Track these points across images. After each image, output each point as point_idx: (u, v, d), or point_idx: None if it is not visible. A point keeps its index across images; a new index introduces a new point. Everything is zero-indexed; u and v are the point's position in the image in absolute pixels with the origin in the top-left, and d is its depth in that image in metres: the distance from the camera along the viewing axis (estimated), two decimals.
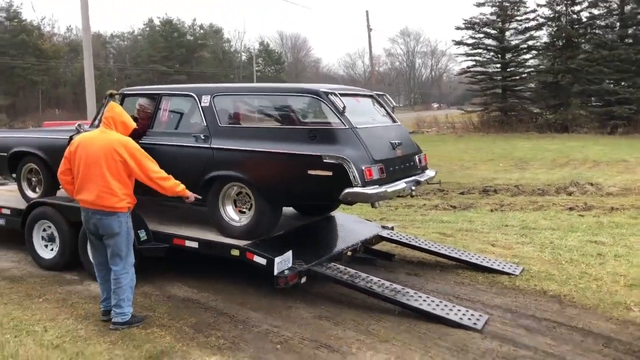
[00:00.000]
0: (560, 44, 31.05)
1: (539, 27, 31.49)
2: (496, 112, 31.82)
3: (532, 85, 32.45)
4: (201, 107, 5.60)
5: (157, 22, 64.81)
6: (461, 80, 35.13)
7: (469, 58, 33.35)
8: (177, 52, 61.86)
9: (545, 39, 31.57)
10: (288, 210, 6.64)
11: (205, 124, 5.53)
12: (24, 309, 4.93)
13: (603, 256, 6.49)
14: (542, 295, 5.23)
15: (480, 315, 4.64)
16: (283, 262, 4.90)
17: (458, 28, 32.92)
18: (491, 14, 32.08)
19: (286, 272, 4.88)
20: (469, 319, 4.54)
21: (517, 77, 32.03)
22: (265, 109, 5.86)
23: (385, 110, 6.10)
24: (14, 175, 7.07)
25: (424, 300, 4.77)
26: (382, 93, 6.45)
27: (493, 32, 32.45)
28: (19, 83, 46.86)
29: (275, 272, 4.82)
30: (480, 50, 32.90)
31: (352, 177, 4.67)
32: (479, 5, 31.83)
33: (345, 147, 4.83)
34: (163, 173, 4.75)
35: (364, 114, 5.71)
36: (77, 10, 14.68)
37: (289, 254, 5.00)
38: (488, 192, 11.72)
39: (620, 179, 12.94)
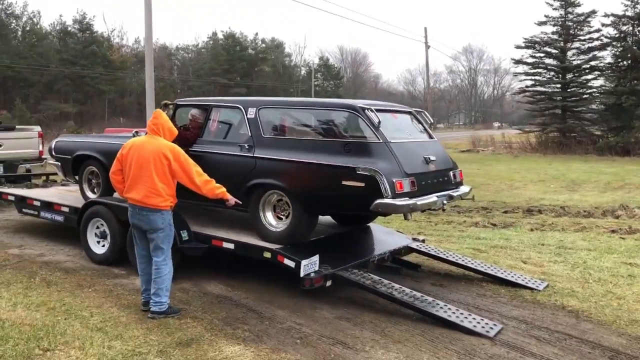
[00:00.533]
0: (625, 64, 30.19)
1: (603, 47, 30.78)
2: (554, 132, 31.20)
3: (594, 106, 31.64)
4: (247, 118, 6.05)
5: (220, 35, 67.00)
6: (519, 99, 34.50)
7: (528, 77, 32.90)
8: (239, 66, 63.61)
9: (609, 60, 30.82)
10: (326, 219, 7.00)
11: (250, 135, 5.96)
12: (74, 297, 5.45)
13: (634, 277, 6.49)
14: (560, 309, 5.34)
15: (494, 324, 4.82)
16: (310, 265, 5.23)
17: (518, 47, 32.62)
18: (553, 33, 31.64)
19: (312, 274, 5.20)
20: (483, 327, 4.73)
21: (578, 98, 31.29)
22: (306, 122, 6.21)
23: (423, 126, 6.38)
24: (76, 177, 7.72)
25: (441, 308, 4.99)
26: (420, 110, 6.74)
27: (554, 51, 31.92)
28: (88, 92, 49.47)
29: (302, 274, 5.16)
30: (540, 70, 32.41)
31: (383, 189, 4.96)
32: (541, 24, 31.49)
33: (379, 160, 5.13)
34: (205, 177, 5.15)
35: (400, 130, 6.01)
36: (143, 23, 15.59)
37: (316, 258, 5.32)
38: (532, 212, 11.67)
39: None
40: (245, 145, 5.94)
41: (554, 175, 19.44)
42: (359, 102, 5.66)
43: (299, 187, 5.55)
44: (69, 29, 53.20)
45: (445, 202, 5.68)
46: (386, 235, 6.90)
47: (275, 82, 68.34)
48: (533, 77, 32.62)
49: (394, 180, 5.02)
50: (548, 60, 32.15)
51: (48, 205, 7.52)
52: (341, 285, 5.55)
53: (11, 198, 8.04)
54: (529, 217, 11.10)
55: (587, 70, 31.14)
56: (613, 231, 9.51)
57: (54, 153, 7.97)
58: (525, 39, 31.93)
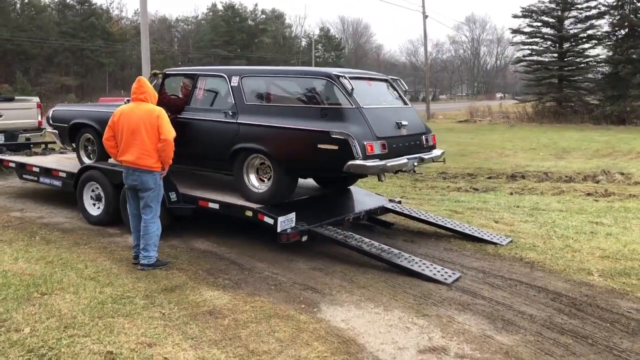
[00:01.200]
0: (622, 33, 30.21)
1: (600, 15, 30.73)
2: (551, 102, 31.37)
3: (591, 75, 31.72)
4: (231, 86, 6.42)
5: (220, 6, 66.66)
6: (517, 69, 34.57)
7: (526, 47, 32.93)
8: (238, 37, 63.49)
9: (606, 28, 30.81)
10: (308, 182, 7.44)
11: (233, 102, 6.35)
12: (71, 252, 5.91)
13: (595, 234, 6.91)
14: (517, 261, 5.79)
15: (453, 273, 5.28)
16: (286, 221, 5.67)
17: (515, 16, 32.60)
18: (550, 1, 31.54)
19: (288, 230, 5.65)
20: (442, 275, 5.19)
21: (574, 67, 31.38)
22: (285, 90, 6.58)
23: (398, 93, 6.74)
24: (73, 144, 8.14)
25: (405, 259, 5.44)
26: (396, 78, 7.08)
27: (551, 20, 31.88)
28: (88, 65, 49.65)
29: (279, 229, 5.60)
30: (537, 39, 32.43)
31: (355, 151, 5.36)
32: None
33: (351, 125, 5.52)
34: (172, 142, 5.43)
35: (373, 96, 6.37)
36: None
37: (292, 215, 5.76)
38: (515, 177, 12.07)
39: None
40: (230, 112, 6.32)
41: (545, 143, 19.77)
42: (334, 70, 6.02)
43: (279, 151, 5.95)
44: (68, 1, 53.03)
45: (415, 164, 6.08)
46: (364, 197, 7.33)
47: (275, 53, 68.18)
48: (530, 47, 32.65)
49: (365, 143, 5.41)
50: (545, 30, 32.15)
51: (47, 171, 7.95)
52: (318, 241, 6.00)
53: (12, 165, 8.47)
54: (511, 182, 11.50)
55: (584, 39, 31.16)
56: (589, 194, 9.93)
57: (51, 122, 8.39)
58: (523, 8, 31.92)
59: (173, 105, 6.77)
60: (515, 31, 32.58)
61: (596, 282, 5.12)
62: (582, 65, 31.60)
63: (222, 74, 6.62)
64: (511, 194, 10.14)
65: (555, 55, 31.90)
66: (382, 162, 5.51)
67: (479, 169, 13.40)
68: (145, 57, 15.38)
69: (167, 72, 7.26)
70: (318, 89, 6.05)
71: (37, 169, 8.05)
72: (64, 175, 7.69)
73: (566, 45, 31.54)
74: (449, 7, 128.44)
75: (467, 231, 6.63)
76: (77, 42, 48.95)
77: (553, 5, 31.45)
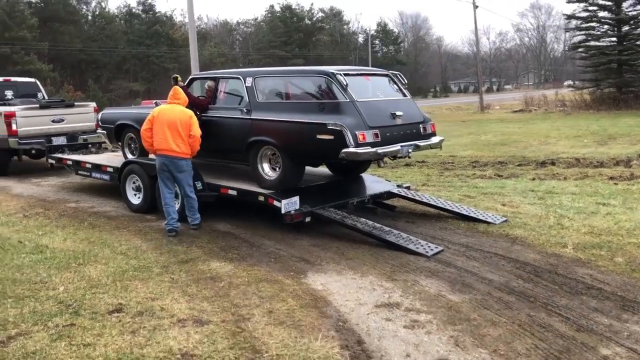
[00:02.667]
0: None
1: None
2: (610, 88, 30.49)
3: None
4: (246, 86, 7.23)
5: (277, 7, 68.17)
6: (572, 56, 33.72)
7: (582, 32, 32.10)
8: (296, 37, 64.79)
9: None
10: (322, 170, 8.17)
11: (248, 100, 7.15)
12: (111, 234, 6.89)
13: (595, 214, 7.24)
14: (502, 237, 6.28)
15: (435, 247, 5.85)
16: (289, 204, 6.41)
17: (570, 1, 31.81)
18: None
19: (292, 211, 6.39)
20: (424, 248, 5.77)
21: (634, 51, 30.32)
22: (290, 87, 7.29)
23: (398, 86, 7.33)
24: (119, 142, 9.20)
25: (394, 235, 6.06)
26: (396, 72, 7.64)
27: (608, 3, 30.94)
28: (154, 70, 52.20)
29: (283, 211, 6.35)
30: (593, 24, 31.56)
31: (348, 140, 6.02)
32: None
33: (345, 117, 6.18)
34: (199, 137, 6.73)
35: (369, 90, 7.02)
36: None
37: (296, 198, 6.49)
38: (545, 164, 12.27)
39: None
40: (244, 109, 7.13)
41: (594, 130, 19.51)
42: (331, 68, 6.68)
43: (285, 142, 6.69)
44: (134, 10, 55.94)
45: (410, 150, 6.65)
46: (372, 183, 7.95)
47: (332, 51, 69.04)
48: (587, 32, 31.79)
49: (357, 133, 6.04)
50: (602, 14, 31.20)
51: (97, 167, 9.04)
52: (324, 223, 6.70)
53: (69, 162, 9.64)
54: (539, 169, 11.72)
55: None
56: (611, 178, 10.09)
57: (100, 123, 9.51)
58: None
59: (200, 105, 7.64)
60: (570, 17, 31.82)
61: (566, 254, 5.56)
62: None
63: (239, 76, 7.44)
64: (533, 179, 10.43)
65: (614, 39, 30.94)
66: (374, 149, 6.11)
67: (512, 157, 13.62)
68: (194, 62, 16.51)
69: (193, 77, 8.16)
70: (317, 85, 6.71)
71: (89, 165, 9.16)
72: (111, 170, 8.73)
73: (625, 28, 30.51)
74: None
75: (464, 212, 7.14)
76: (143, 49, 51.64)
77: None
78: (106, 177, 8.88)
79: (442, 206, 7.33)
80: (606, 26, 31.40)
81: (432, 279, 4.97)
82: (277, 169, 6.91)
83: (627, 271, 4.98)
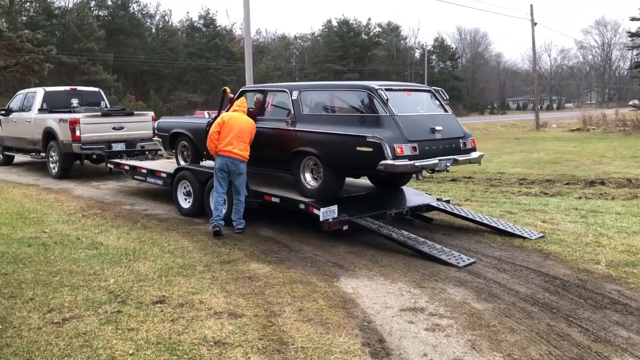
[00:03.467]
0: None
1: None
2: None
3: None
4: (292, 99, 7.57)
5: (334, 22, 69.00)
6: (635, 75, 32.72)
7: None
8: (352, 51, 65.35)
9: None
10: (364, 182, 8.42)
11: (293, 112, 7.48)
12: (161, 235, 7.34)
13: (637, 234, 7.17)
14: (537, 252, 6.34)
15: (468, 258, 5.98)
16: (328, 212, 6.68)
17: (634, 19, 30.99)
18: None
19: (330, 219, 6.65)
20: (456, 259, 5.92)
21: None
22: (333, 101, 7.56)
23: (440, 102, 7.52)
24: (173, 150, 9.73)
25: (427, 246, 6.24)
26: (439, 89, 7.81)
27: None
28: (213, 82, 53.73)
29: (321, 218, 6.63)
30: None
31: (386, 152, 6.25)
32: None
33: (385, 130, 6.42)
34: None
35: (410, 105, 7.23)
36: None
37: (334, 207, 6.76)
38: (594, 183, 12.08)
39: None
40: (289, 121, 7.46)
41: None
42: (373, 84, 6.93)
43: (326, 153, 6.97)
44: (195, 24, 57.92)
45: (449, 164, 6.81)
46: (412, 196, 8.13)
47: (388, 65, 69.21)
48: None
49: (395, 146, 6.26)
50: None
51: (152, 173, 9.59)
52: (362, 232, 6.92)
53: (126, 167, 10.25)
54: (587, 188, 11.57)
55: None
56: None
57: (156, 132, 10.08)
58: None
59: (251, 115, 8.04)
60: (634, 35, 30.96)
61: (598, 270, 5.59)
62: None
63: (285, 90, 7.80)
64: (579, 198, 10.33)
65: None
66: (411, 162, 6.31)
67: (561, 175, 13.46)
68: (249, 75, 17.11)
69: (243, 89, 8.56)
70: (360, 99, 6.96)
71: (144, 171, 9.73)
72: (164, 175, 9.25)
73: None
74: (577, 11, 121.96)
75: (501, 226, 7.22)
76: (202, 62, 53.37)
77: None
78: (160, 182, 9.40)
79: (479, 220, 7.44)
80: None
81: (459, 288, 5.12)
82: (319, 178, 7.19)
83: None
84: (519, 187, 11.92)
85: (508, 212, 8.83)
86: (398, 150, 6.26)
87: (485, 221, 7.41)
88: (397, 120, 6.50)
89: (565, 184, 12.14)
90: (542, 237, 7.01)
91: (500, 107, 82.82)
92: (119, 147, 12.13)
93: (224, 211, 7.38)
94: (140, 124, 12.63)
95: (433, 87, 7.79)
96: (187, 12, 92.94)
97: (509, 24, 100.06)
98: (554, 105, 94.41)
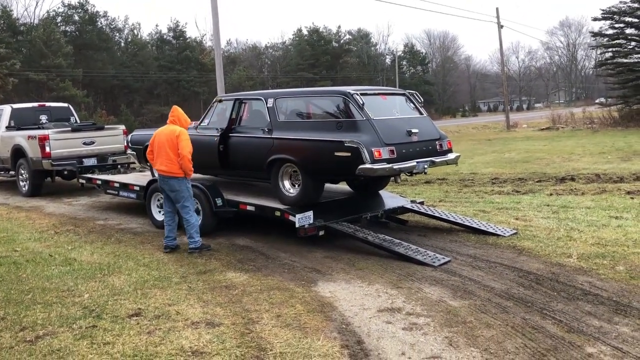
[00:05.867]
0: None
1: None
2: (638, 105, 30.17)
3: None
4: (267, 107, 7.54)
5: (305, 31, 69.25)
6: (599, 73, 33.51)
7: (608, 50, 31.94)
8: (323, 59, 65.59)
9: None
10: (339, 186, 8.44)
11: (269, 120, 7.45)
12: (136, 249, 7.25)
13: (606, 226, 7.34)
14: (510, 248, 6.44)
15: (443, 257, 6.04)
16: (304, 218, 6.68)
17: (596, 19, 31.78)
18: (632, 1, 30.49)
19: (306, 225, 6.65)
20: (432, 259, 5.98)
21: None
22: (309, 107, 7.59)
23: (415, 105, 7.55)
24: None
25: (402, 247, 6.28)
26: (413, 92, 7.82)
27: (635, 20, 30.78)
28: (184, 94, 53.46)
29: (297, 225, 6.62)
30: (620, 41, 31.38)
31: (364, 156, 6.23)
32: None
33: (362, 134, 6.42)
34: (189, 156, 6.80)
35: (386, 109, 7.22)
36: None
37: (310, 213, 6.76)
38: (565, 180, 12.32)
39: None
40: (266, 129, 7.42)
41: (619, 147, 19.38)
42: (349, 89, 6.94)
43: (305, 159, 6.93)
44: (165, 37, 57.60)
45: (426, 166, 6.81)
46: (386, 199, 8.17)
47: (360, 72, 69.64)
48: (614, 49, 31.63)
49: (373, 149, 6.25)
50: (629, 30, 31.05)
51: (125, 186, 9.48)
52: (339, 236, 6.93)
53: (99, 182, 10.12)
54: (558, 185, 11.79)
55: None
56: (629, 193, 10.13)
57: (130, 145, 9.98)
58: (603, 10, 31.09)
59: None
60: (597, 34, 31.72)
61: (570, 263, 5.70)
62: None
63: (261, 97, 7.77)
64: (550, 194, 10.51)
65: None
66: (389, 165, 6.31)
67: (533, 173, 13.67)
68: (220, 86, 17.08)
69: (220, 98, 8.53)
70: (335, 105, 6.98)
71: (117, 185, 9.61)
72: (137, 188, 9.16)
73: None
74: (542, 12, 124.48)
75: (474, 225, 7.32)
76: (173, 74, 53.03)
77: (636, 5, 30.37)
78: (133, 195, 9.30)
79: (453, 220, 7.52)
80: (633, 43, 31.19)
81: (435, 287, 5.17)
82: (297, 185, 7.14)
83: (626, 278, 5.12)
84: (492, 186, 12.08)
85: (481, 211, 8.95)
86: (376, 154, 6.25)
87: (459, 220, 7.50)
88: (374, 124, 6.50)
89: (537, 182, 12.36)
90: (515, 233, 7.12)
91: (471, 109, 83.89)
92: (90, 162, 11.97)
93: (172, 233, 7.07)
94: (112, 138, 12.49)
95: (407, 91, 7.82)
96: (157, 25, 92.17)
97: (476, 27, 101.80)
98: (524, 106, 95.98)
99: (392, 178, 7.12)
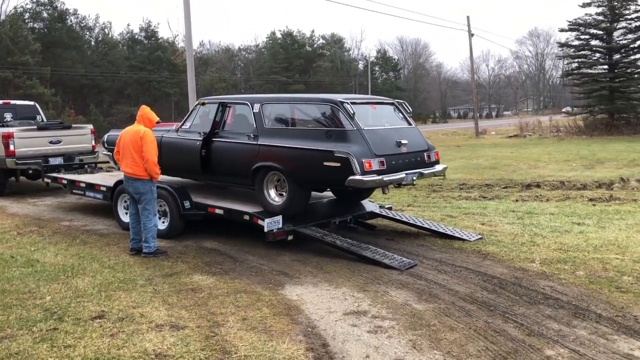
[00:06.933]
0: None
1: None
2: (602, 114, 30.97)
3: None
4: (253, 112, 7.35)
5: (278, 34, 69.15)
6: (565, 83, 34.32)
7: (574, 60, 32.71)
8: (296, 63, 65.53)
9: None
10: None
11: (255, 126, 7.27)
12: (101, 250, 7.14)
13: (569, 232, 7.52)
14: (475, 253, 6.54)
15: (410, 261, 6.11)
16: (272, 222, 6.66)
17: (562, 30, 32.49)
18: (597, 14, 31.33)
19: (275, 230, 6.62)
20: (399, 262, 6.04)
21: (625, 79, 30.89)
22: (298, 114, 7.43)
23: (403, 115, 7.50)
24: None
25: (370, 251, 6.33)
26: (402, 101, 7.78)
27: (600, 32, 31.61)
28: (155, 95, 52.76)
29: (265, 229, 6.59)
30: (586, 52, 32.19)
31: (354, 167, 6.15)
32: (585, 5, 31.21)
33: (352, 145, 6.32)
34: (154, 159, 6.66)
35: (376, 118, 7.18)
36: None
37: (279, 218, 6.74)
38: (530, 186, 12.56)
39: None
40: (252, 135, 7.22)
41: (584, 155, 19.85)
42: (339, 97, 6.87)
43: (292, 168, 6.79)
44: (137, 37, 56.82)
45: (415, 178, 6.78)
46: (356, 204, 8.21)
47: (333, 77, 69.82)
48: (580, 60, 32.41)
49: (363, 161, 6.17)
50: (594, 42, 31.86)
51: (91, 186, 9.33)
52: (308, 240, 6.92)
53: (64, 182, 9.94)
54: (524, 191, 12.01)
55: (635, 50, 30.67)
56: (591, 199, 10.38)
57: (106, 145, 9.80)
58: (570, 21, 31.82)
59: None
60: (563, 45, 32.46)
61: (532, 268, 5.82)
62: (636, 75, 31.03)
63: (246, 102, 7.59)
64: (516, 200, 10.71)
65: (606, 67, 31.53)
66: (379, 177, 6.24)
67: (499, 179, 13.92)
68: (192, 87, 16.95)
69: (203, 101, 8.25)
70: (325, 113, 6.85)
71: (83, 185, 9.46)
72: (104, 189, 9.02)
73: (616, 56, 31.13)
74: (512, 22, 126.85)
75: (441, 230, 7.41)
76: (144, 74, 52.29)
77: (601, 17, 31.19)
78: (99, 196, 9.16)
79: (420, 225, 7.61)
80: (598, 54, 32.02)
81: (401, 290, 5.22)
82: (284, 194, 6.99)
83: (585, 283, 5.25)
84: (459, 191, 12.25)
85: (448, 216, 9.07)
86: (366, 165, 6.17)
87: (426, 225, 7.59)
88: (364, 134, 6.41)
89: (503, 188, 12.57)
90: (481, 238, 7.23)
91: (442, 116, 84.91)
92: (56, 161, 11.75)
93: (137, 235, 6.91)
94: (79, 137, 12.29)
95: (396, 100, 7.77)
96: (128, 25, 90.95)
97: (448, 35, 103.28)
98: (493, 113, 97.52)
99: (380, 188, 6.98)
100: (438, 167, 7.26)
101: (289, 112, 7.47)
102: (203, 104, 8.10)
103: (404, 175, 6.57)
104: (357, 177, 6.11)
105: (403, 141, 6.75)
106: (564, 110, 72.40)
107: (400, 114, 7.46)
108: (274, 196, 7.08)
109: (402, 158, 6.70)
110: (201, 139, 7.67)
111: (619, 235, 7.24)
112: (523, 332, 4.16)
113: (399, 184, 6.79)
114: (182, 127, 8.16)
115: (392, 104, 7.57)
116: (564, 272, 5.62)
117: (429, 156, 7.16)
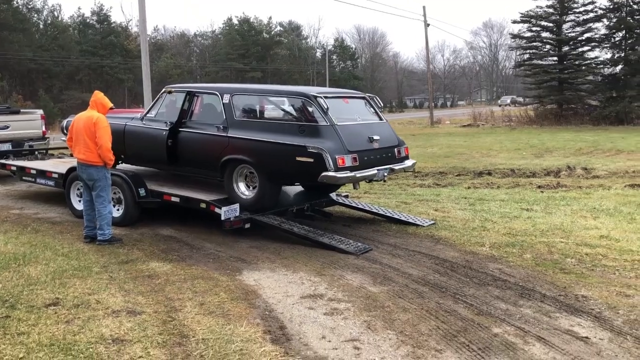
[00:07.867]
0: (620, 35, 30.76)
1: (597, 19, 31.38)
2: (552, 105, 31.98)
3: (591, 77, 32.28)
4: (223, 103, 7.20)
5: (235, 20, 68.37)
6: (517, 73, 35.24)
7: (526, 52, 33.60)
8: (253, 50, 65.04)
9: (603, 31, 31.40)
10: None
11: (224, 117, 7.12)
12: (54, 239, 7.01)
13: (518, 217, 7.80)
14: (428, 237, 6.74)
15: (365, 246, 6.24)
16: (230, 211, 6.66)
17: (515, 22, 33.31)
18: (548, 6, 32.24)
19: (232, 218, 6.63)
20: (354, 248, 6.16)
21: (574, 70, 31.97)
22: (269, 107, 7.40)
23: (374, 109, 7.50)
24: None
25: (327, 237, 6.44)
26: (373, 95, 7.80)
27: (550, 25, 32.55)
28: (108, 81, 51.58)
29: (222, 217, 6.59)
30: (537, 44, 33.10)
31: (328, 164, 6.12)
32: None
33: (326, 140, 6.28)
34: (108, 145, 6.55)
35: (348, 113, 7.15)
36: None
37: (236, 206, 6.75)
38: (482, 174, 12.93)
39: (620, 165, 13.70)
40: (221, 126, 7.09)
41: (533, 144, 20.48)
42: (312, 90, 6.84)
43: (263, 162, 6.72)
44: (88, 20, 55.27)
45: (386, 174, 6.79)
46: (312, 192, 8.28)
47: (290, 65, 69.58)
48: (530, 51, 33.31)
49: (337, 157, 6.15)
50: (545, 34, 32.79)
51: (42, 173, 9.10)
52: (266, 228, 6.95)
53: (13, 168, 9.66)
54: (476, 179, 12.36)
55: (582, 43, 31.75)
56: (539, 187, 10.78)
57: (65, 131, 9.53)
58: (522, 13, 32.67)
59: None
60: (516, 36, 33.30)
61: (482, 252, 6.05)
62: (583, 67, 32.13)
63: (216, 92, 7.43)
64: (468, 188, 11.02)
65: (555, 58, 32.53)
66: (352, 174, 6.25)
67: (453, 167, 14.26)
68: (146, 73, 16.64)
69: (169, 89, 7.98)
70: (297, 107, 6.81)
71: (34, 171, 9.21)
72: (55, 176, 8.81)
73: (565, 48, 32.16)
74: (467, 13, 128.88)
75: (395, 216, 7.59)
76: (97, 59, 51.04)
77: (551, 10, 32.12)
78: (51, 182, 8.95)
79: (375, 211, 7.77)
80: (548, 46, 32.98)
81: (357, 274, 5.35)
82: (253, 187, 6.93)
83: (532, 265, 5.50)
84: (414, 179, 12.51)
85: (403, 203, 9.27)
86: (340, 161, 6.15)
87: (381, 212, 7.75)
88: (337, 130, 6.38)
89: (456, 176, 12.91)
90: (434, 224, 7.44)
91: (398, 105, 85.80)
92: (4, 147, 11.39)
93: (91, 222, 6.79)
94: (28, 123, 11.95)
95: (367, 94, 7.78)
96: (79, 8, 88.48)
97: (405, 25, 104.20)
98: (448, 103, 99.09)
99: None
100: (408, 163, 7.31)
101: (260, 104, 7.39)
102: (170, 92, 7.87)
103: (375, 171, 6.57)
104: (331, 173, 6.10)
105: (375, 137, 6.74)
106: (508, 100, 73.83)
107: (371, 108, 7.44)
108: (243, 189, 7.00)
109: (374, 154, 6.67)
110: (167, 128, 7.49)
111: (564, 220, 7.56)
112: (472, 311, 4.34)
113: (370, 180, 6.76)
114: (147, 115, 7.94)
115: (363, 98, 7.56)
116: (512, 255, 5.86)
117: (399, 151, 7.18)
